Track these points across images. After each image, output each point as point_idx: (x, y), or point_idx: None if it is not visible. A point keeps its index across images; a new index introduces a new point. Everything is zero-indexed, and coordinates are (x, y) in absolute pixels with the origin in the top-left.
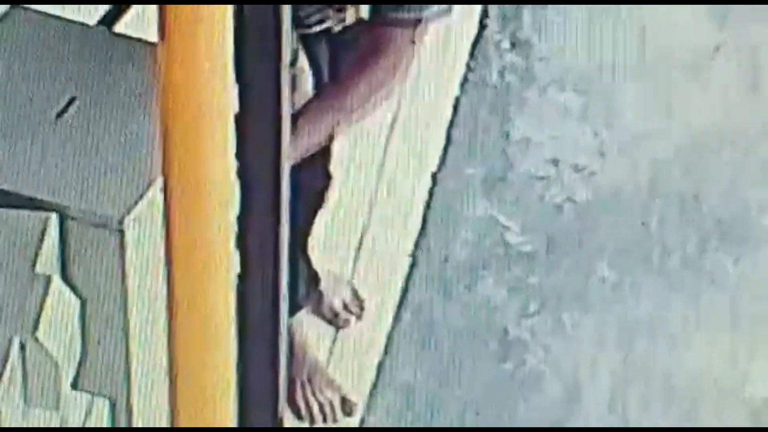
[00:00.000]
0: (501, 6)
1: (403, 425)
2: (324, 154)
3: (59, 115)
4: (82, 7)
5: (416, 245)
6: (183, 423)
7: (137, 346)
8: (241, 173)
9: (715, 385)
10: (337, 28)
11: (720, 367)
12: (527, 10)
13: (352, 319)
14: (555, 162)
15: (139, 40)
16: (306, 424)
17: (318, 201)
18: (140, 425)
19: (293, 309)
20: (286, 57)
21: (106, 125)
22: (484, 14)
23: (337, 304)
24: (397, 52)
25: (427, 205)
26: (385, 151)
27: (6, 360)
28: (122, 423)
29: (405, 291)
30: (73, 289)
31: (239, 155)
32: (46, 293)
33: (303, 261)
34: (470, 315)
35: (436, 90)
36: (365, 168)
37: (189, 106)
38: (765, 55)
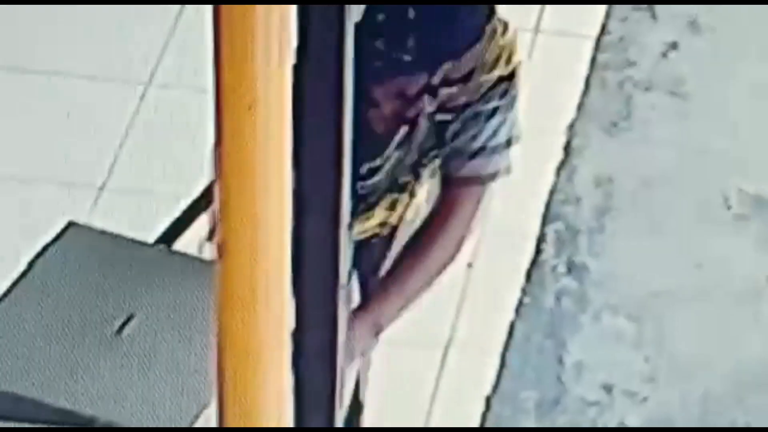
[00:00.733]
0: (558, 230)
1: None
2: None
3: (118, 332)
4: (140, 223)
5: None
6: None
7: None
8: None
9: None
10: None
11: None
12: (584, 234)
13: None
14: (608, 388)
15: (196, 258)
16: None
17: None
18: None
19: None
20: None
21: (164, 343)
22: (541, 238)
23: None
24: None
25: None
26: (439, 372)
27: None
28: None
29: None
30: None
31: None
32: None
33: None
34: None
35: (491, 313)
36: (420, 387)
37: (246, 327)
38: None
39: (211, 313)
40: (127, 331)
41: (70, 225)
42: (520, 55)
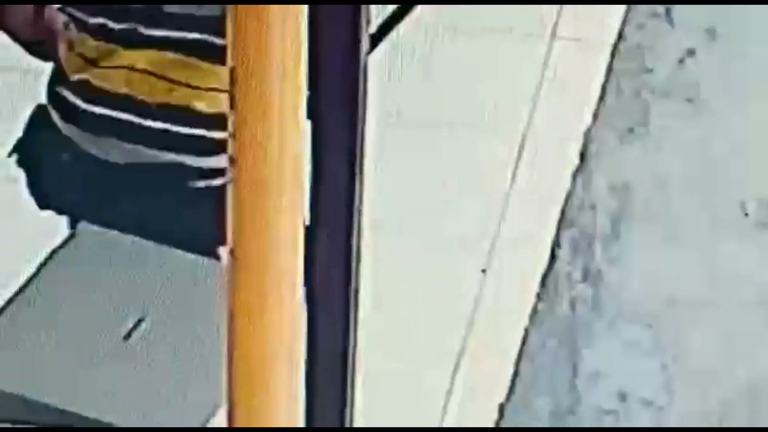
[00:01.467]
0: (573, 236)
1: None
2: None
3: (127, 335)
4: None
5: None
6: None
7: None
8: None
9: None
10: None
11: None
12: (599, 241)
13: None
14: (623, 396)
15: (207, 260)
16: None
17: None
18: None
19: None
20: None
21: (174, 346)
22: (556, 245)
23: None
24: None
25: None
26: (452, 381)
27: None
28: None
29: None
30: None
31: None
32: None
33: None
34: None
35: (505, 320)
36: (433, 396)
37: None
38: None
39: (222, 317)
40: (136, 334)
41: (79, 227)
42: None
